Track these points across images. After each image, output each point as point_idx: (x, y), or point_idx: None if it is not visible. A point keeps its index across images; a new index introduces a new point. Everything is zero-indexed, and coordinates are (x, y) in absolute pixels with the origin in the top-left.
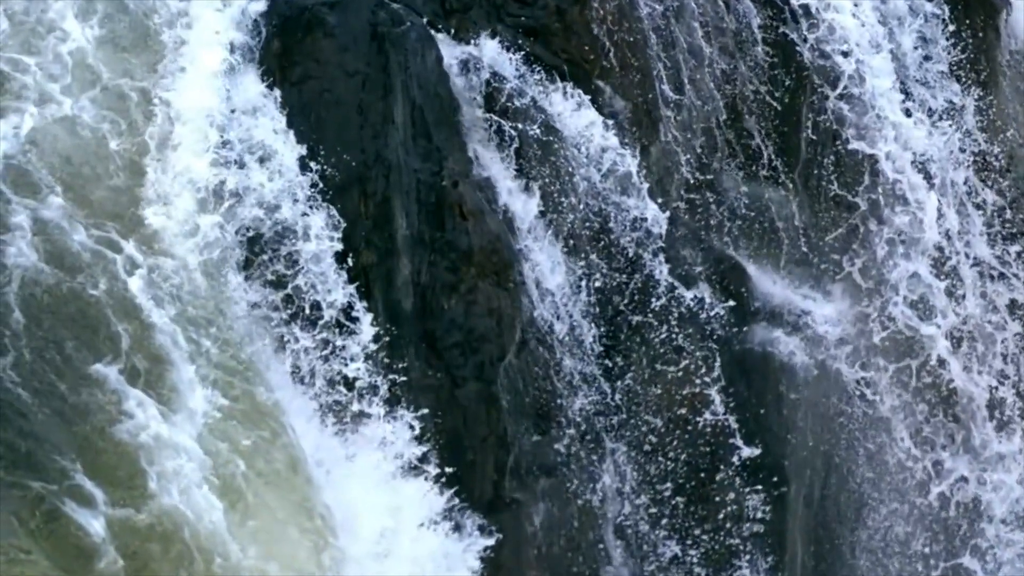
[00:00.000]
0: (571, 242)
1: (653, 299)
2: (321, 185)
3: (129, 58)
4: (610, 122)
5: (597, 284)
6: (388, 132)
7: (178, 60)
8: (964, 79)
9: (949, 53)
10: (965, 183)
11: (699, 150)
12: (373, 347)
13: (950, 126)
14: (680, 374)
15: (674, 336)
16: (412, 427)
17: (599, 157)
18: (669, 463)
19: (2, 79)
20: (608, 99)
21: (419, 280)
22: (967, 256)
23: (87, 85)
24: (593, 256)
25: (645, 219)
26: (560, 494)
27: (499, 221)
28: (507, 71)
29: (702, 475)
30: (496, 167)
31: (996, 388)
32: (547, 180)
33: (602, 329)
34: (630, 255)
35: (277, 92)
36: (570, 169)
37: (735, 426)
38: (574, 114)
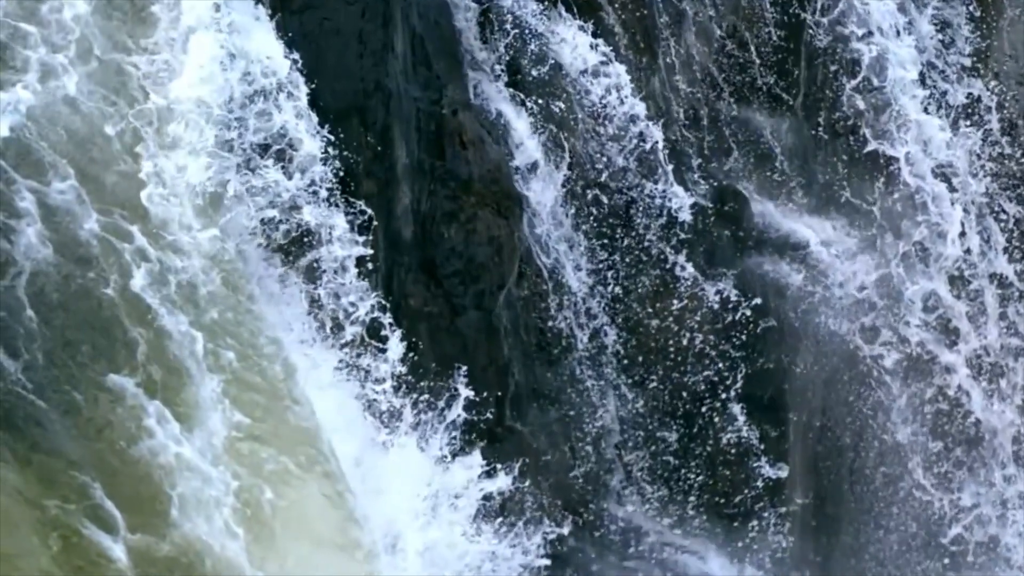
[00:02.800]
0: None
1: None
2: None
3: (126, 31)
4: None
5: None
6: (388, 61)
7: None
8: (986, 71)
9: (967, 42)
10: (986, 192)
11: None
12: (401, 369)
13: (971, 127)
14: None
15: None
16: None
17: (625, 127)
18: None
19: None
20: (609, 27)
21: (419, 209)
22: (990, 279)
23: (87, 58)
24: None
25: (669, 205)
26: (561, 423)
27: (499, 150)
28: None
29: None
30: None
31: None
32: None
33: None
34: (653, 252)
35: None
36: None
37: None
38: (601, 72)
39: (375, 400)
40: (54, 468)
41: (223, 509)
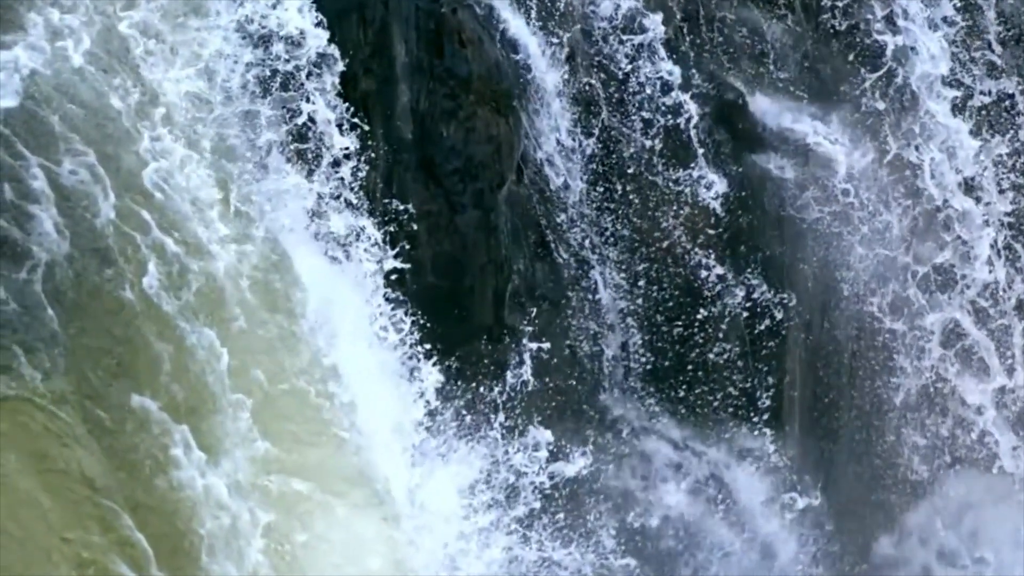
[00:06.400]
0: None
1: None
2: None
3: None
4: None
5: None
6: None
7: None
8: (1013, 66)
9: (991, 32)
10: (1011, 211)
11: None
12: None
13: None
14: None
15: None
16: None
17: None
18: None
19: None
20: None
21: (418, 107)
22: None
23: (94, 24)
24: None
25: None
26: (559, 323)
27: (498, 49)
28: None
29: None
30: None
31: None
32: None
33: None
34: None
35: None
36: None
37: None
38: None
39: (425, 408)
40: (79, 494)
41: (253, 552)
